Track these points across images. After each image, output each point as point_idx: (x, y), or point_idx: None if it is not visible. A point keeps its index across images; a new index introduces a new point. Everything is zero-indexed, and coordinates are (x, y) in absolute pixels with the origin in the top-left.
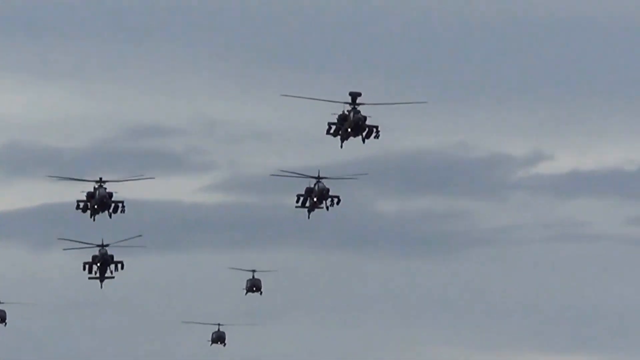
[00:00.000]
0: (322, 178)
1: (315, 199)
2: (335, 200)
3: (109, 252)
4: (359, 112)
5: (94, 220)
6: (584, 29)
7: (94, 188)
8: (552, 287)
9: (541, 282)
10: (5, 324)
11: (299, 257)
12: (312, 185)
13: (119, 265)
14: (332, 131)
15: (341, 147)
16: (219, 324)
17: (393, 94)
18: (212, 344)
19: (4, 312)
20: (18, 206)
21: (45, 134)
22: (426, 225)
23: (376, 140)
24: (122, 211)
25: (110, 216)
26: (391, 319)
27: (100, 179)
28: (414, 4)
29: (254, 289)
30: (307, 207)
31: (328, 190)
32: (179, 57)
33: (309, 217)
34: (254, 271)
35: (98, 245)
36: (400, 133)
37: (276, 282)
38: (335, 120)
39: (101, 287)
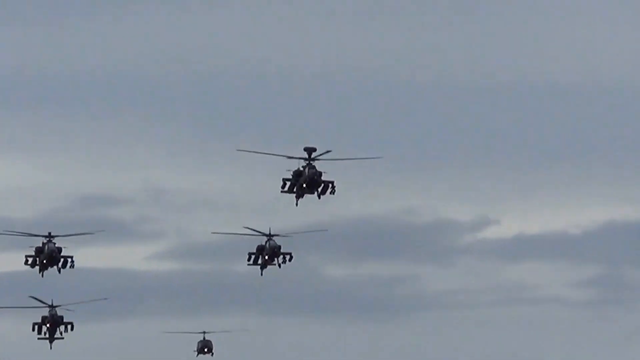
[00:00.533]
0: (273, 236)
1: (267, 257)
2: (287, 257)
3: (59, 313)
4: (314, 167)
5: (42, 275)
6: (527, 95)
7: (43, 243)
8: (498, 351)
9: (488, 345)
10: None
11: (249, 319)
12: (264, 243)
13: (69, 327)
14: (286, 187)
15: (296, 204)
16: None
17: (345, 152)
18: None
19: None
20: None
21: None
22: (374, 290)
23: (332, 196)
24: (72, 266)
25: (59, 271)
26: None
27: (49, 233)
28: (362, 67)
29: (205, 350)
30: (259, 264)
31: (279, 247)
32: (127, 127)
33: (261, 274)
34: (204, 332)
35: (49, 306)
36: (347, 198)
37: (227, 344)
38: (290, 176)
39: (50, 347)
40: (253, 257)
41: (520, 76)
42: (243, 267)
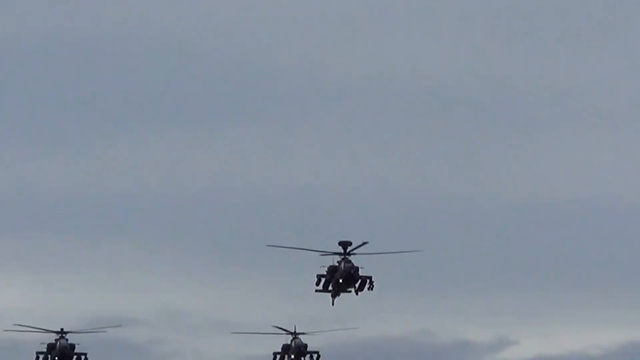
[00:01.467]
0: (299, 334)
1: (292, 356)
2: (315, 356)
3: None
4: (350, 261)
5: None
6: (547, 212)
7: (55, 340)
8: None
9: None
10: None
11: None
12: (289, 342)
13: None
14: (321, 285)
15: (332, 304)
16: None
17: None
18: None
19: None
20: None
21: (3, 326)
22: None
23: (370, 292)
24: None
25: None
26: None
27: (62, 329)
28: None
29: None
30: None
31: (306, 345)
32: (139, 250)
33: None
34: None
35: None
36: (363, 320)
37: None
38: (325, 272)
39: None
40: (279, 357)
41: (540, 193)
42: None
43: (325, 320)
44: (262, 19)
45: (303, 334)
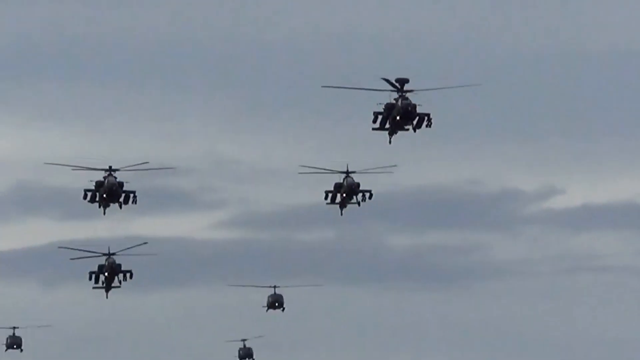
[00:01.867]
0: (351, 172)
1: (344, 194)
2: (367, 194)
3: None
4: (408, 98)
5: (104, 213)
6: (593, 63)
7: (104, 177)
8: (565, 320)
9: (554, 315)
10: (22, 350)
11: (312, 291)
12: (341, 180)
13: (127, 275)
14: (378, 122)
15: (390, 142)
16: (244, 340)
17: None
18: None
19: (19, 338)
20: (27, 245)
21: (50, 173)
22: (438, 260)
23: (428, 129)
24: (134, 202)
25: (120, 206)
26: (404, 353)
27: (110, 167)
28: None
29: (276, 304)
30: (337, 203)
31: (358, 184)
32: (189, 96)
33: (341, 214)
34: (275, 287)
35: (104, 254)
36: (412, 168)
37: (299, 300)
38: (382, 110)
39: (107, 297)
40: (330, 195)
41: (586, 44)
42: (308, 236)
43: (380, 161)
44: None
45: (354, 172)
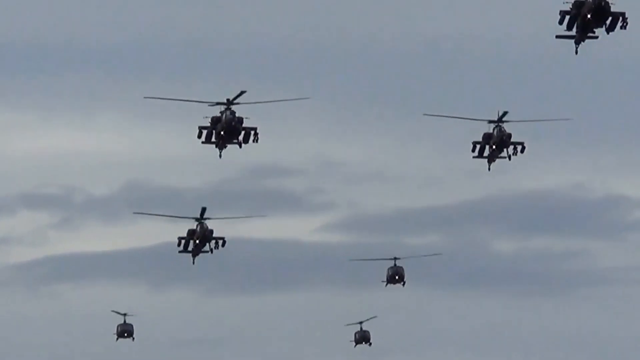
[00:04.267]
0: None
1: (494, 147)
2: (519, 147)
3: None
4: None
5: (220, 156)
6: None
7: (220, 112)
8: None
9: None
10: (133, 338)
11: (415, 297)
12: (491, 130)
13: (220, 242)
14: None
15: (489, 169)
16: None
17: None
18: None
19: (131, 325)
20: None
21: (162, 174)
22: (543, 265)
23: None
24: (255, 140)
25: (240, 145)
26: (509, 358)
27: (228, 99)
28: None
29: (397, 277)
30: (485, 157)
31: (510, 135)
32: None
33: (489, 169)
34: (395, 259)
35: (196, 219)
36: (518, 173)
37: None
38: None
39: (193, 262)
40: (478, 147)
41: None
42: (412, 240)
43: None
44: None
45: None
